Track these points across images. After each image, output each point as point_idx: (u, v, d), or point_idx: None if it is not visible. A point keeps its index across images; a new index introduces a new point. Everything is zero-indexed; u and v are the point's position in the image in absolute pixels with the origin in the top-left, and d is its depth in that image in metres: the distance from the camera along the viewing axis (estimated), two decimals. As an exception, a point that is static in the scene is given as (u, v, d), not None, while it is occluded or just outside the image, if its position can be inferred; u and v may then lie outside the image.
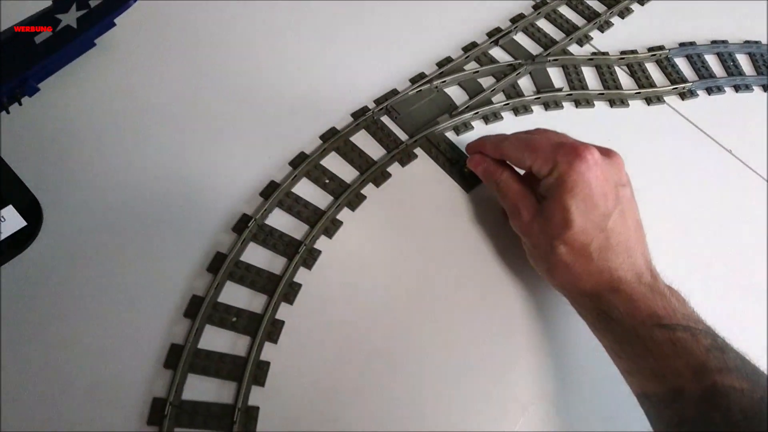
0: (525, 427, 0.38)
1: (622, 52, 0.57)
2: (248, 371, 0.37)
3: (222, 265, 0.41)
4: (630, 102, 0.54)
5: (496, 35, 0.57)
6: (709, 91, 0.56)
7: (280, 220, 0.44)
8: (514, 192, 0.41)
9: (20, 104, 0.46)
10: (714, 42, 0.59)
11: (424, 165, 0.48)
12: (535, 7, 0.60)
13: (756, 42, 0.60)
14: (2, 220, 0.39)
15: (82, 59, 0.50)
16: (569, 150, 0.38)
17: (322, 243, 0.43)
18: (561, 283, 0.40)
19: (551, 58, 0.55)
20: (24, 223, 0.40)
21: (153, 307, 0.39)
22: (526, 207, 0.40)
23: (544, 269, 0.40)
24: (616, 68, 0.56)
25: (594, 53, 0.57)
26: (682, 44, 0.59)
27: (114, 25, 0.49)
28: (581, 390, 0.40)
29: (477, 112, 0.51)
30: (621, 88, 0.55)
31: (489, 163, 0.43)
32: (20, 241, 0.40)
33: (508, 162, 0.43)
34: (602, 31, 0.60)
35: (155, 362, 0.38)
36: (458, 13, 0.59)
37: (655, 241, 0.40)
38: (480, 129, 0.51)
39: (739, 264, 0.47)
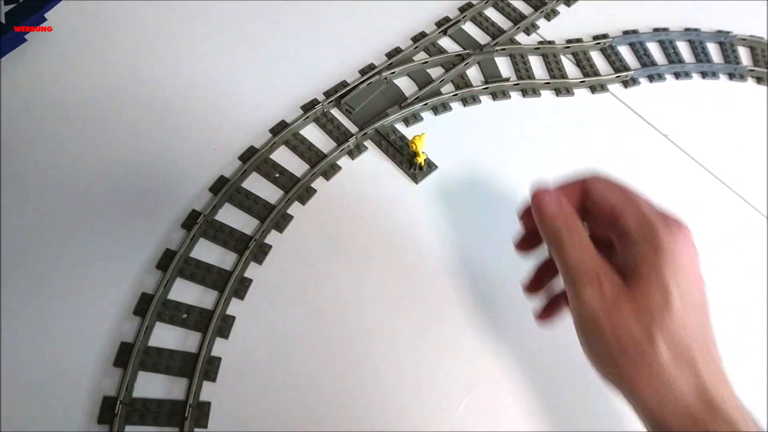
0: (468, 407, 0.40)
1: (568, 41, 0.59)
2: (199, 367, 0.38)
3: (171, 262, 0.41)
4: (575, 91, 0.56)
5: (444, 25, 0.57)
6: (651, 78, 0.58)
7: (230, 215, 0.44)
8: (593, 255, 0.30)
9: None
10: (656, 29, 0.61)
11: (373, 157, 0.49)
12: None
13: (696, 29, 0.62)
14: None
15: (13, 54, 0.49)
16: (671, 218, 0.30)
17: (272, 238, 0.44)
18: (650, 393, 0.28)
19: (499, 48, 0.56)
20: None
21: (102, 305, 0.40)
22: (609, 279, 0.30)
23: (630, 369, 0.29)
24: (562, 57, 0.58)
25: (540, 42, 0.58)
26: (625, 32, 0.60)
27: (44, 20, 0.48)
28: (522, 371, 0.42)
29: (426, 103, 0.52)
30: (566, 77, 0.56)
31: (565, 204, 0.33)
32: None
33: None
34: (548, 20, 0.61)
35: (105, 361, 0.38)
36: (408, 1, 0.59)
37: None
38: (429, 119, 0.52)
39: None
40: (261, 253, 0.43)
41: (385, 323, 0.42)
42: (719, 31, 0.62)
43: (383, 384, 0.40)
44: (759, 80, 0.60)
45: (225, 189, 0.44)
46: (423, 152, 0.47)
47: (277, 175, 0.46)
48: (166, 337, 0.39)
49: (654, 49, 0.60)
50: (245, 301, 0.41)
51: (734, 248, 0.49)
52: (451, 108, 0.53)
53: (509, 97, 0.54)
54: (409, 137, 0.49)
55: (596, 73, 0.57)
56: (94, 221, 0.43)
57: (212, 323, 0.39)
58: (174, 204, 0.44)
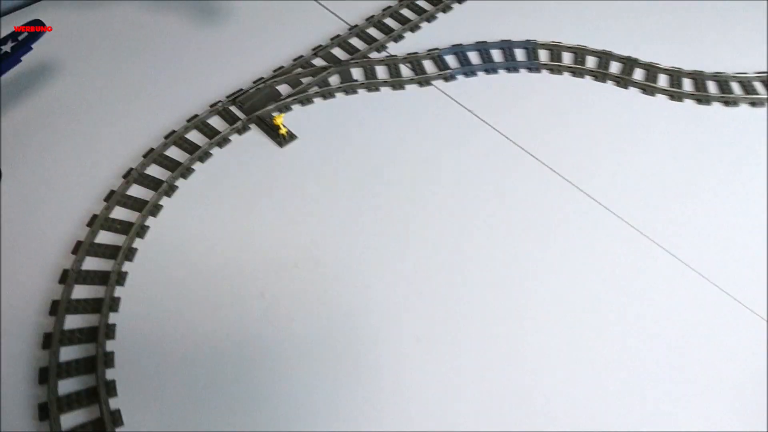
0: (299, 274, 0.61)
1: (408, 54, 0.82)
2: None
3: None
4: (407, 86, 0.79)
5: (317, 49, 0.82)
6: (466, 74, 0.81)
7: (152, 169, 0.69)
8: None
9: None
10: (477, 42, 0.84)
11: (255, 133, 0.73)
12: (351, 33, 0.85)
13: (508, 40, 0.85)
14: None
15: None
16: None
17: (179, 182, 0.68)
18: None
19: (353, 62, 0.80)
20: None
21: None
22: None
23: None
24: (401, 65, 0.81)
25: (387, 56, 0.82)
26: (453, 45, 0.84)
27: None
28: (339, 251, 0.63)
29: (295, 99, 0.76)
30: (401, 77, 0.80)
31: None
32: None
33: None
34: (396, 42, 0.85)
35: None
36: (295, 33, 0.84)
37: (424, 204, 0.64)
38: (297, 109, 0.76)
39: (509, 230, 0.70)
40: (170, 190, 0.67)
41: (261, 278, 0.64)
42: (528, 40, 0.85)
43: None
44: (552, 71, 0.82)
45: (149, 153, 0.69)
46: (284, 126, 0.71)
47: (188, 146, 0.71)
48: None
49: (474, 56, 0.83)
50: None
51: (547, 216, 0.68)
52: (313, 101, 0.76)
53: (357, 93, 0.78)
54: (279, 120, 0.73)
55: (424, 72, 0.80)
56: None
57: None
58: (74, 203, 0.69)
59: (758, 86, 0.82)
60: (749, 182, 0.71)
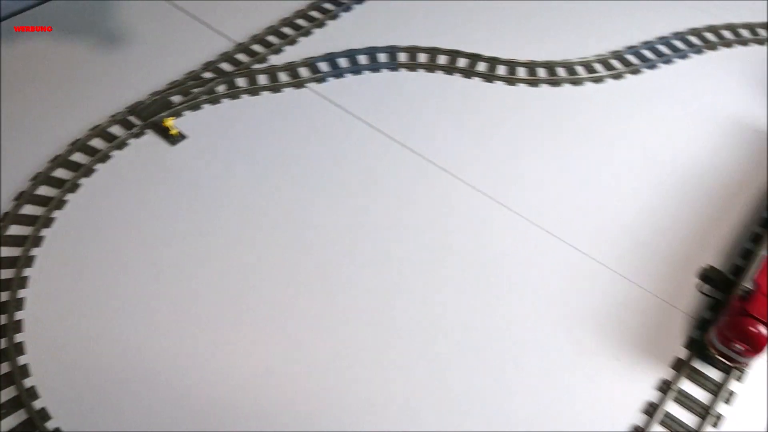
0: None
1: (287, 63, 0.96)
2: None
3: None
4: (284, 89, 0.92)
5: (207, 64, 0.95)
6: (335, 76, 0.95)
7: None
8: None
9: None
10: (348, 50, 0.98)
11: (151, 136, 0.85)
12: (238, 49, 0.99)
13: (373, 47, 0.99)
14: None
15: None
16: None
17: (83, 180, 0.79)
18: None
19: (238, 72, 0.93)
20: None
21: None
22: None
23: None
24: (279, 73, 0.95)
25: (268, 66, 0.96)
26: (326, 53, 0.98)
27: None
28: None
29: (186, 106, 0.88)
30: (279, 82, 0.93)
31: None
32: None
33: None
34: (277, 54, 0.98)
35: None
36: (189, 52, 0.97)
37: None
38: (188, 115, 0.88)
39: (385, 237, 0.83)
40: (75, 187, 0.78)
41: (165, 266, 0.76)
42: (390, 45, 0.99)
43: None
44: (408, 69, 0.97)
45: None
46: (175, 128, 0.83)
47: (91, 151, 0.82)
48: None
49: (343, 61, 0.97)
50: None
51: (431, 212, 0.80)
52: (202, 107, 0.89)
53: (240, 98, 0.91)
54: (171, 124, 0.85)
55: (299, 77, 0.94)
56: None
57: (42, 218, 0.73)
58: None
59: (598, 66, 0.98)
60: (595, 143, 0.86)
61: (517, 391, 0.63)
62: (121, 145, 0.83)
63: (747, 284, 0.61)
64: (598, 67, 0.98)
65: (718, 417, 0.62)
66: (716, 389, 0.64)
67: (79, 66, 0.93)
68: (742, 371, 0.64)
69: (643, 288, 0.72)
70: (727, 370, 0.65)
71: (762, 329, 0.58)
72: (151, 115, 0.86)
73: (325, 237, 0.75)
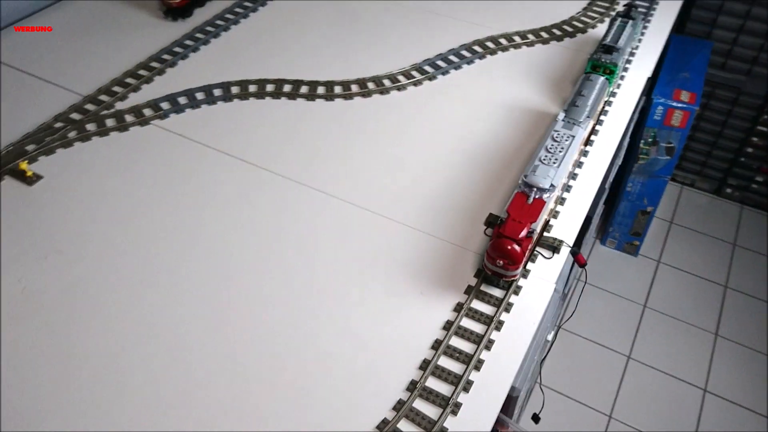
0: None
1: (132, 106, 1.09)
2: None
3: None
4: (131, 128, 1.05)
5: (58, 116, 1.06)
6: (176, 112, 1.09)
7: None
8: None
9: None
10: (187, 89, 1.13)
11: (8, 181, 0.94)
12: (85, 101, 1.10)
13: (208, 84, 1.14)
14: None
15: None
16: None
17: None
18: None
19: (87, 119, 1.05)
20: None
21: None
22: None
23: None
24: (126, 115, 1.08)
25: (115, 111, 1.08)
26: (166, 95, 1.12)
27: None
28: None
29: (39, 152, 0.99)
30: (125, 122, 1.06)
31: None
32: None
33: None
34: (122, 101, 1.11)
35: None
36: (41, 107, 1.07)
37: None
38: (42, 160, 0.99)
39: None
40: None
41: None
42: (222, 82, 1.15)
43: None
44: (240, 98, 1.12)
45: None
46: (30, 170, 0.94)
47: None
48: None
49: (182, 99, 1.12)
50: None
51: (265, 209, 0.96)
52: (55, 152, 1.00)
53: (91, 140, 1.03)
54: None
55: (143, 116, 1.07)
56: None
57: None
58: None
59: (401, 77, 1.17)
60: (402, 137, 1.04)
61: (345, 327, 0.78)
62: (-17, 190, 0.93)
63: (503, 215, 0.80)
64: (401, 78, 1.18)
65: (500, 323, 0.79)
66: (498, 303, 0.81)
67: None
68: (510, 283, 0.82)
69: (442, 239, 0.89)
70: (506, 288, 0.83)
71: (515, 246, 0.76)
72: (8, 163, 0.96)
73: (174, 240, 0.87)
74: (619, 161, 1.62)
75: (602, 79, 0.99)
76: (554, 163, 0.81)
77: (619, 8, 1.36)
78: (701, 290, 1.99)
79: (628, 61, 1.21)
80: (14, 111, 1.08)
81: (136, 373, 0.73)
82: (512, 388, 0.84)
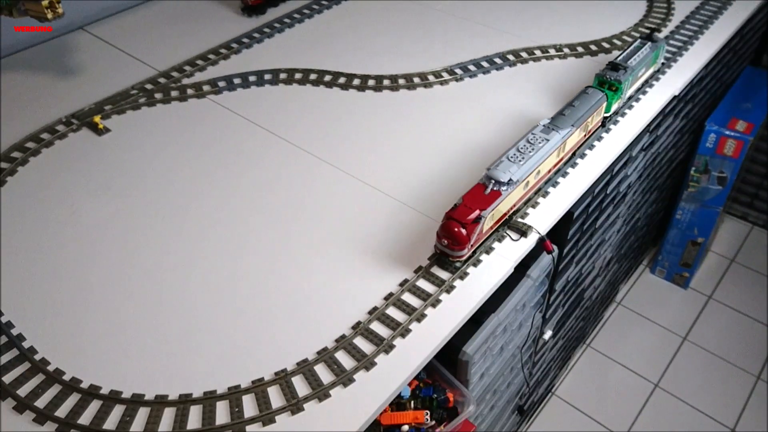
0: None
1: (194, 83, 1.28)
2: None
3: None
4: (189, 99, 1.24)
5: (135, 86, 1.27)
6: (228, 90, 1.26)
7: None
8: None
9: None
10: (242, 72, 1.30)
11: (84, 131, 1.15)
12: (159, 75, 1.31)
13: (261, 70, 1.31)
14: None
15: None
16: None
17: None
18: None
19: (155, 89, 1.25)
20: None
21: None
22: None
23: None
24: (188, 89, 1.26)
25: (179, 85, 1.27)
26: (224, 75, 1.29)
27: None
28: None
29: (113, 111, 1.19)
30: (186, 94, 1.24)
31: None
32: None
33: None
34: (189, 77, 1.30)
35: None
36: (125, 76, 1.29)
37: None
38: (115, 117, 1.19)
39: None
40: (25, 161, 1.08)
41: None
42: (273, 69, 1.31)
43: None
44: (285, 83, 1.28)
45: None
46: (101, 123, 1.14)
47: (35, 144, 1.13)
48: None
49: (237, 80, 1.29)
50: (14, 176, 1.05)
51: (285, 175, 1.12)
52: (126, 113, 1.20)
53: (156, 106, 1.22)
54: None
55: (202, 90, 1.25)
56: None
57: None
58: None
59: (430, 77, 1.28)
60: (421, 128, 1.16)
61: (303, 285, 0.89)
62: (62, 136, 1.14)
63: (459, 200, 0.88)
64: (430, 77, 1.29)
65: (436, 301, 0.86)
66: (441, 284, 0.88)
67: (47, 87, 1.26)
68: (455, 263, 0.89)
69: (422, 213, 0.98)
70: (453, 271, 0.89)
71: (461, 229, 0.81)
72: (86, 117, 1.18)
73: (211, 197, 1.03)
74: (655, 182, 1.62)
75: (601, 95, 1.01)
76: (520, 161, 0.88)
77: (669, 30, 1.40)
78: (751, 332, 1.91)
79: (655, 79, 1.24)
80: (102, 77, 1.30)
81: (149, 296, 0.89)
82: (462, 352, 0.92)
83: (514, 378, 1.22)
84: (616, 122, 1.14)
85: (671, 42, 1.36)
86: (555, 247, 1.03)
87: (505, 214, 0.90)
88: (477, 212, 0.82)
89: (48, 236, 0.95)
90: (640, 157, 1.29)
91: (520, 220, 0.95)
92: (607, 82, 1.06)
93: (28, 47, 1.40)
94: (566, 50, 1.36)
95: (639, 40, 1.17)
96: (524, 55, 1.35)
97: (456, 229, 0.82)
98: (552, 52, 1.36)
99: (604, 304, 1.87)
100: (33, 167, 1.08)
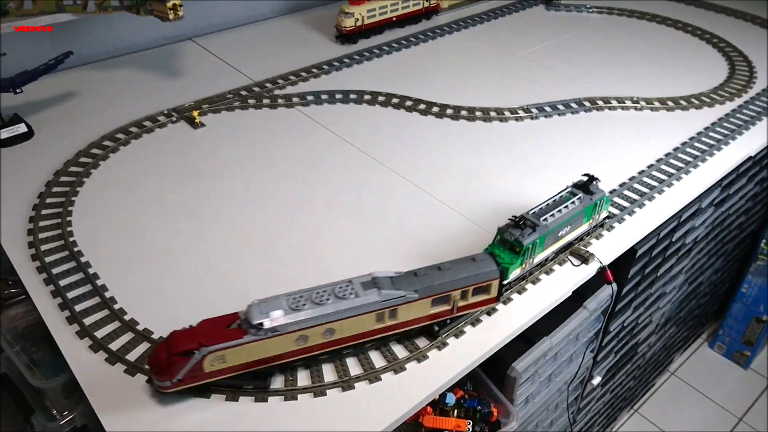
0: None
1: (285, 94, 1.37)
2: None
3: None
4: (278, 108, 1.33)
5: (231, 91, 1.38)
6: (316, 104, 1.35)
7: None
8: None
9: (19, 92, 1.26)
10: (330, 90, 1.39)
11: (181, 124, 1.26)
12: (254, 84, 1.42)
13: (348, 90, 1.39)
14: (21, 125, 1.17)
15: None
16: None
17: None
18: None
19: (249, 95, 1.35)
20: (26, 129, 1.17)
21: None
22: None
23: None
24: (279, 99, 1.36)
25: (272, 95, 1.37)
26: (314, 91, 1.39)
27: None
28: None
29: (210, 110, 1.30)
30: (277, 102, 1.34)
31: None
32: (27, 135, 1.17)
33: None
34: (281, 89, 1.40)
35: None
36: (227, 80, 1.40)
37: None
38: (210, 115, 1.29)
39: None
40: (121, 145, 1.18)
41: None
42: (358, 90, 1.40)
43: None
44: (368, 104, 1.36)
45: (120, 128, 1.22)
46: (198, 118, 1.24)
47: (138, 129, 1.23)
48: (85, 158, 1.13)
49: (325, 96, 1.38)
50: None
51: (364, 184, 1.20)
52: (221, 112, 1.30)
53: (248, 110, 1.32)
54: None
55: (291, 101, 1.35)
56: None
57: (102, 155, 1.14)
58: (102, 135, 1.21)
59: (506, 113, 1.34)
60: (490, 155, 1.21)
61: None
62: (162, 125, 1.25)
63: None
64: (506, 112, 1.34)
65: (492, 310, 0.89)
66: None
67: (155, 83, 1.39)
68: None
69: (483, 228, 1.02)
70: (512, 285, 0.91)
71: (162, 355, 0.68)
72: (185, 112, 1.29)
73: (290, 192, 1.10)
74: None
75: (491, 266, 0.79)
76: (294, 309, 0.70)
77: (750, 96, 1.41)
78: (816, 423, 1.80)
79: (732, 138, 1.25)
80: (203, 81, 1.42)
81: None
82: (511, 368, 0.93)
83: (558, 417, 1.21)
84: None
85: (751, 106, 1.37)
86: (614, 284, 1.04)
87: (261, 361, 0.71)
88: (191, 346, 0.66)
89: (139, 207, 1.04)
90: (709, 212, 1.29)
91: (582, 247, 0.97)
92: (508, 242, 0.82)
93: (145, 49, 1.55)
94: (643, 103, 1.39)
95: (569, 189, 0.90)
96: (600, 103, 1.39)
97: (159, 354, 0.68)
98: (628, 103, 1.39)
99: (657, 369, 1.81)
100: (133, 147, 1.19)
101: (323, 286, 0.73)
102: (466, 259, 0.79)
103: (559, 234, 0.88)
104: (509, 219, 0.85)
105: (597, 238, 1.00)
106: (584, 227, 0.94)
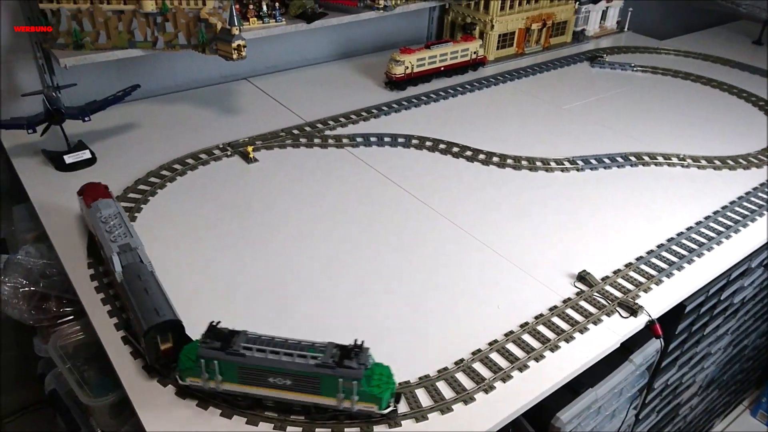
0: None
1: (336, 134, 1.41)
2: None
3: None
4: (329, 147, 1.36)
5: (286, 129, 1.42)
6: (365, 145, 1.38)
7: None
8: None
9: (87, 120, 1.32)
10: (379, 133, 1.43)
11: (235, 158, 1.30)
12: (306, 124, 1.46)
13: (395, 134, 1.43)
14: (86, 152, 1.22)
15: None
16: None
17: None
18: None
19: (301, 134, 1.40)
20: (90, 156, 1.23)
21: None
22: None
23: None
24: (329, 139, 1.40)
25: (323, 135, 1.41)
26: (364, 134, 1.42)
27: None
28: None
29: (263, 146, 1.34)
30: (327, 142, 1.38)
31: None
32: (90, 161, 1.22)
33: None
34: (332, 130, 1.44)
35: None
36: (279, 121, 1.45)
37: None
38: (263, 151, 1.33)
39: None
40: (173, 178, 1.22)
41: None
42: (407, 134, 1.43)
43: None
44: (416, 148, 1.39)
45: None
46: (252, 153, 1.29)
47: (194, 161, 1.28)
48: (144, 186, 1.18)
49: (373, 138, 1.42)
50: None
51: (409, 228, 1.23)
52: (273, 149, 1.34)
53: (300, 147, 1.36)
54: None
55: (341, 142, 1.38)
56: (131, 165, 1.25)
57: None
58: (160, 165, 1.26)
59: (552, 164, 1.35)
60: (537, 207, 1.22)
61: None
62: (217, 159, 1.29)
63: None
64: (552, 163, 1.35)
65: (540, 356, 0.89)
66: (546, 341, 0.90)
67: (212, 119, 1.45)
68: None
69: (523, 270, 1.02)
70: (559, 332, 0.91)
71: None
72: (240, 146, 1.33)
73: (337, 228, 1.13)
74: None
75: None
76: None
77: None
78: None
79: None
80: (257, 118, 1.47)
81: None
82: (556, 418, 0.92)
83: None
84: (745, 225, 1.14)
85: (800, 169, 1.36)
86: (662, 339, 1.02)
87: None
88: None
89: (192, 234, 1.07)
90: (758, 272, 1.27)
91: (631, 299, 0.97)
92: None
93: (203, 86, 1.62)
94: (689, 161, 1.40)
95: (323, 344, 0.72)
96: (647, 158, 1.39)
97: None
98: (675, 160, 1.40)
99: (696, 434, 1.75)
100: (189, 178, 1.23)
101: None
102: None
103: (269, 380, 0.69)
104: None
105: (645, 291, 0.99)
106: (314, 397, 0.70)
